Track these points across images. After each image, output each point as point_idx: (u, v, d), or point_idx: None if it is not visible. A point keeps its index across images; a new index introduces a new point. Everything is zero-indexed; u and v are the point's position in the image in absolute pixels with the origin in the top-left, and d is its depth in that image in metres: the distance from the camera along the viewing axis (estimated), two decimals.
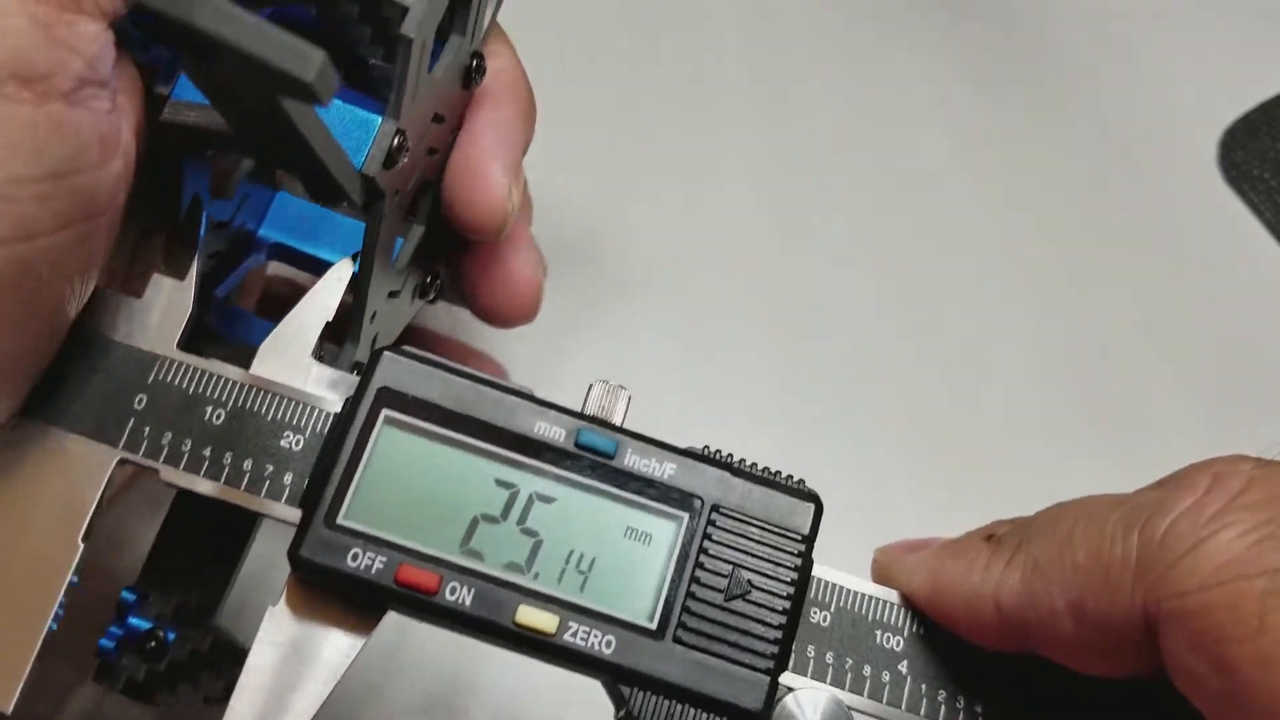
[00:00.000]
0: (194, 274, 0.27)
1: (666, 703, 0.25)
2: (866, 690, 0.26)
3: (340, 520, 0.25)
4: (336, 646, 0.25)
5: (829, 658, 0.27)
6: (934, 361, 0.48)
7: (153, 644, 0.26)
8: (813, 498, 0.27)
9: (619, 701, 0.25)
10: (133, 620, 0.26)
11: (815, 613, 0.27)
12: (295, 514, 0.25)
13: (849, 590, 0.27)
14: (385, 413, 0.26)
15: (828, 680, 0.26)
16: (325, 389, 0.27)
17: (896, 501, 0.44)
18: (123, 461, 0.25)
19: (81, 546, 0.25)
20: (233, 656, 0.26)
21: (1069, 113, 0.59)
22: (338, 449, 0.25)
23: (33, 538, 0.24)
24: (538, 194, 0.39)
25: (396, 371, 0.26)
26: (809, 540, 0.27)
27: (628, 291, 0.47)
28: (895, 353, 0.48)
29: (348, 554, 0.25)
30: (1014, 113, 0.58)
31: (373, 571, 0.25)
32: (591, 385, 0.28)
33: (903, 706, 0.26)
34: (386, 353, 0.26)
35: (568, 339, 0.45)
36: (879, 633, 0.27)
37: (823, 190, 0.51)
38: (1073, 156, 0.57)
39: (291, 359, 0.27)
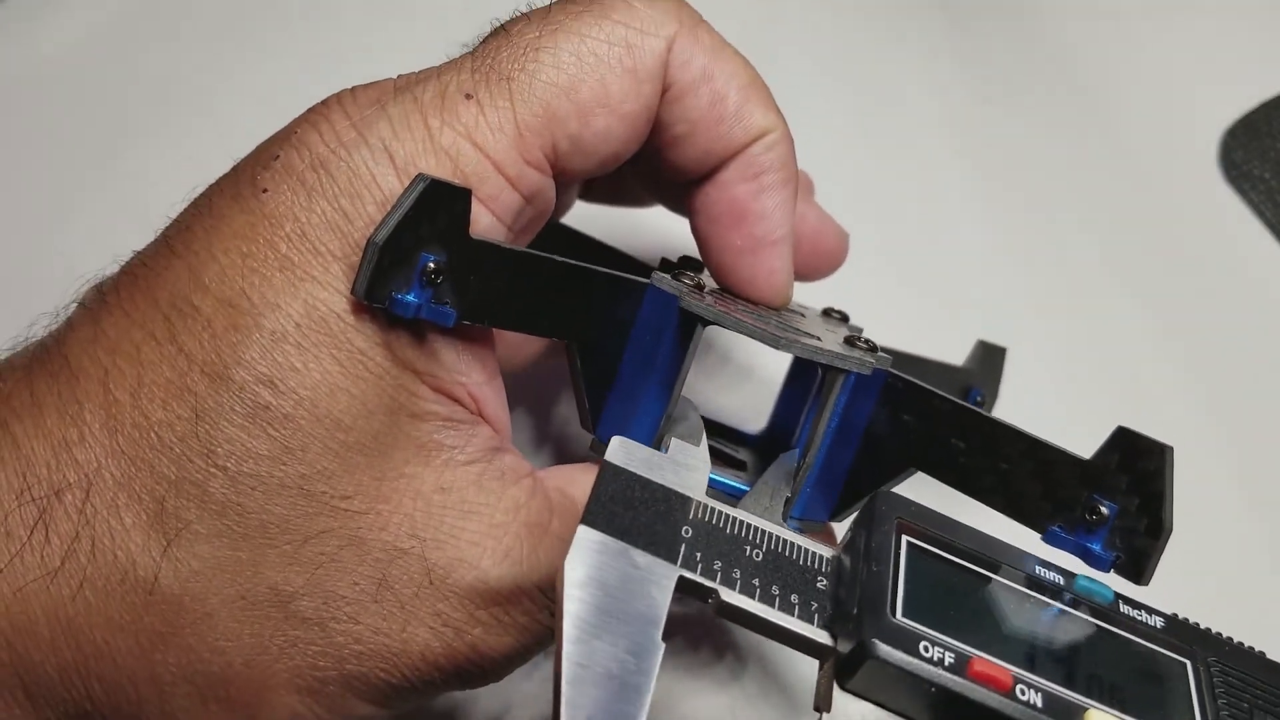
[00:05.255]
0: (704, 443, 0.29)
1: None
2: None
3: (899, 617, 0.25)
4: None
5: None
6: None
7: None
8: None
9: None
10: None
11: None
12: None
13: None
14: (906, 539, 0.27)
15: None
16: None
17: None
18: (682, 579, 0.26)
19: (663, 646, 0.24)
20: None
21: (1069, 112, 0.58)
22: (876, 562, 0.26)
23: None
24: None
25: (902, 506, 0.28)
26: None
27: None
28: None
29: (919, 644, 0.24)
30: (1014, 112, 0.58)
31: (945, 663, 0.24)
32: None
33: None
34: (891, 492, 0.28)
35: None
36: None
37: (820, 193, 0.49)
38: (1073, 156, 0.57)
39: None
